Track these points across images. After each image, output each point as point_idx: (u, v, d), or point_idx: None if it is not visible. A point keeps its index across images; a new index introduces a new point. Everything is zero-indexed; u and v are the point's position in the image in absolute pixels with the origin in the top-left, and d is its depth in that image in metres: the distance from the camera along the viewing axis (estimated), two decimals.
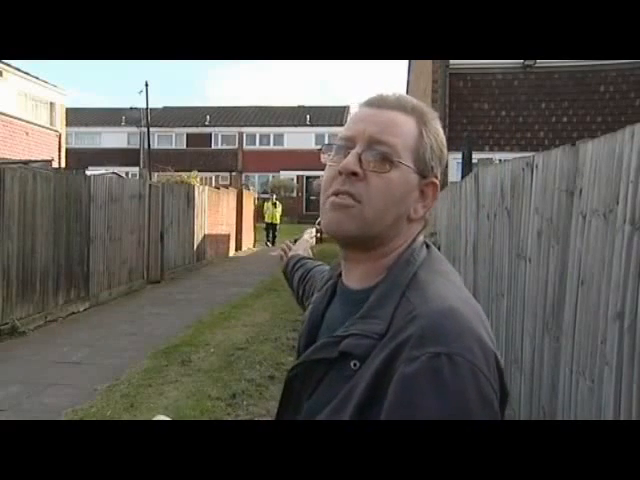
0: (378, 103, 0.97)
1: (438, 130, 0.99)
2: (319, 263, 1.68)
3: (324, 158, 0.99)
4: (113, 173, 14.43)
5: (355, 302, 0.95)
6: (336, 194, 0.93)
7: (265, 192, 33.95)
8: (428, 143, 0.96)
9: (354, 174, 0.92)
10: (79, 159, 27.16)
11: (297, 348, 1.07)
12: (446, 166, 1.03)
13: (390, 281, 0.92)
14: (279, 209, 21.28)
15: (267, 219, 21.41)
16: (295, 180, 35.60)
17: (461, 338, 0.81)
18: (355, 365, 0.87)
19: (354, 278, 0.99)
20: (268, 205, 21.47)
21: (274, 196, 22.52)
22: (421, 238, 0.99)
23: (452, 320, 0.83)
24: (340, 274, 1.05)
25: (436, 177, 0.98)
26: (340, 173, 0.93)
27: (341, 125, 37.18)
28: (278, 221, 21.27)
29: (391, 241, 0.96)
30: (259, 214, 21.77)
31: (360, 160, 0.92)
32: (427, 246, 0.99)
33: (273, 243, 20.71)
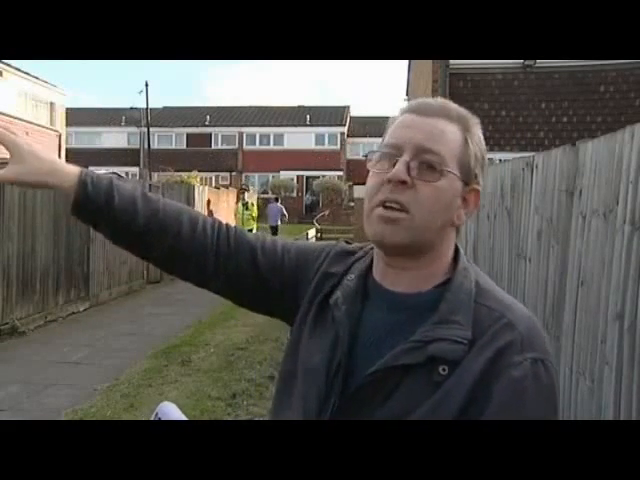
0: (423, 110, 0.97)
1: (480, 137, 0.99)
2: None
3: (369, 165, 0.99)
4: (113, 173, 14.42)
5: (411, 308, 0.95)
6: (384, 204, 0.93)
7: (265, 192, 33.92)
8: (473, 150, 0.97)
9: (403, 182, 0.92)
10: (79, 159, 27.07)
11: (332, 350, 0.97)
12: None
13: (457, 288, 0.94)
14: (254, 211, 14.89)
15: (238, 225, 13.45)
16: (295, 180, 35.56)
17: (545, 344, 0.92)
18: (444, 370, 0.88)
19: (402, 283, 0.97)
20: (237, 207, 15.03)
21: (246, 194, 15.56)
22: (462, 250, 1.01)
23: (539, 328, 0.93)
24: (366, 274, 1.03)
25: (478, 184, 0.99)
26: (389, 181, 0.93)
27: (341, 125, 37.20)
28: (254, 227, 14.52)
29: (438, 247, 0.97)
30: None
31: (408, 168, 0.92)
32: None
33: None
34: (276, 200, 17.51)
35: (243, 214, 14.29)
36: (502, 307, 0.92)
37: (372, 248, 1.04)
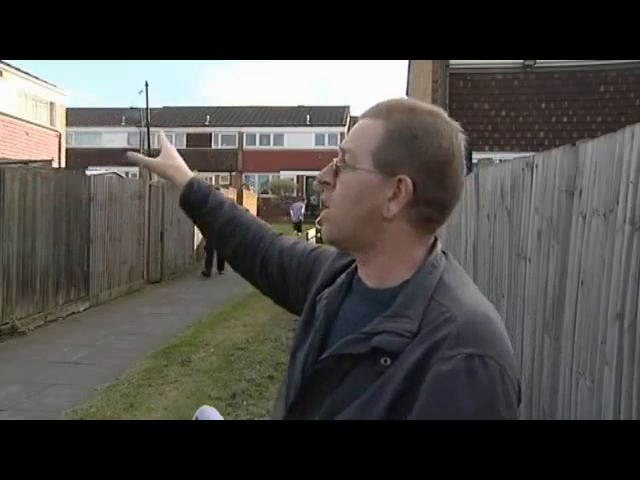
0: (363, 113, 1.03)
1: (407, 122, 0.95)
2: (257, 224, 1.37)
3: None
4: (113, 173, 14.41)
5: (377, 302, 0.97)
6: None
7: (265, 192, 33.87)
8: (392, 138, 0.95)
9: (327, 183, 1.01)
10: (79, 159, 27.12)
11: (310, 342, 1.03)
12: None
13: (417, 283, 0.95)
14: None
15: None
16: (295, 180, 35.59)
17: (493, 342, 0.86)
18: (386, 362, 0.89)
19: (369, 277, 1.01)
20: None
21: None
22: (440, 245, 1.02)
23: (485, 324, 0.88)
24: (355, 270, 1.07)
25: (406, 173, 0.94)
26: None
27: (341, 125, 37.22)
28: None
29: (377, 242, 0.98)
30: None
31: (336, 169, 1.01)
32: (445, 255, 1.02)
33: (220, 268, 12.73)
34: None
35: None
36: (451, 302, 0.90)
37: None
